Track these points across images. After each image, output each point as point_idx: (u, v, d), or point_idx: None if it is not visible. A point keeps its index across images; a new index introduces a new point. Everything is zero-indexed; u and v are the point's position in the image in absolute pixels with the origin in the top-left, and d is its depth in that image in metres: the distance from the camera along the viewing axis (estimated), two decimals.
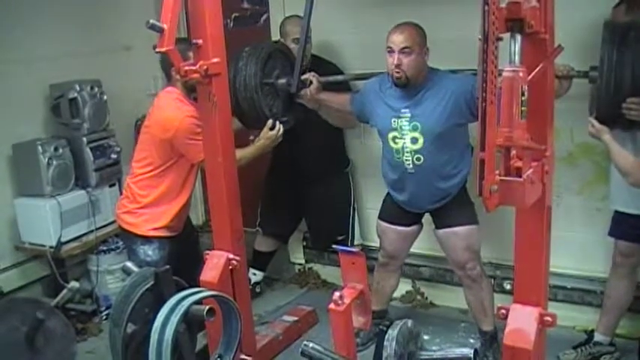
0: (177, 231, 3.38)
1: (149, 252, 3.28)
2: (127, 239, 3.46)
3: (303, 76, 3.45)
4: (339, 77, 3.61)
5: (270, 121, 3.34)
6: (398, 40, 3.04)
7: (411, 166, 3.18)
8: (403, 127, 3.15)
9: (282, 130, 3.37)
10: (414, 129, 3.12)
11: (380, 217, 3.50)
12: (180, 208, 3.35)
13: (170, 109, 3.19)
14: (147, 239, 3.30)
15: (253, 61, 3.31)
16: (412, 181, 3.24)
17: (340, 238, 3.99)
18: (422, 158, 3.14)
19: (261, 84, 3.34)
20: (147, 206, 3.30)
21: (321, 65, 3.79)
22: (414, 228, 3.43)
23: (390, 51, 3.06)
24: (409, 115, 3.13)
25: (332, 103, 3.53)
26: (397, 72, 3.05)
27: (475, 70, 2.93)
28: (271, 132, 3.35)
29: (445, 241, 3.31)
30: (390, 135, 3.19)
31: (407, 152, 3.16)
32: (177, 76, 3.01)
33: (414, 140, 3.13)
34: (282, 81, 3.47)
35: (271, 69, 3.45)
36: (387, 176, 3.38)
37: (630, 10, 2.94)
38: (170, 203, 3.31)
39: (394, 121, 3.17)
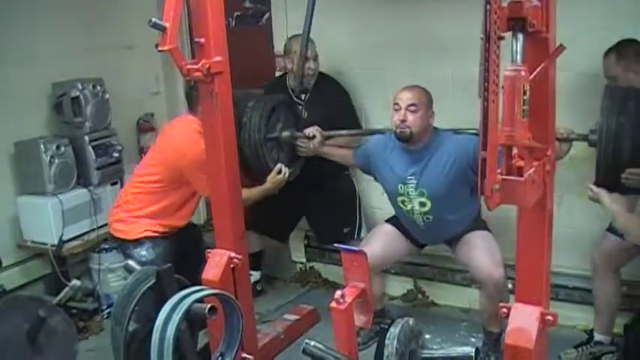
0: (171, 232, 3.40)
1: (142, 252, 3.32)
2: (120, 247, 3.51)
3: (307, 130, 3.54)
4: (343, 132, 3.64)
5: (278, 166, 3.46)
6: (405, 97, 3.12)
7: (422, 223, 3.31)
8: (410, 193, 3.24)
9: (287, 174, 3.49)
10: (421, 195, 3.21)
11: (387, 221, 3.52)
12: (175, 225, 3.39)
13: (188, 140, 3.28)
14: (138, 241, 3.35)
15: (257, 116, 3.38)
16: (424, 231, 3.37)
17: (346, 230, 3.96)
18: (431, 217, 3.25)
19: (266, 139, 3.42)
20: (140, 217, 3.37)
21: (327, 84, 3.86)
22: (412, 245, 3.51)
23: (397, 108, 3.13)
24: (415, 182, 3.21)
25: (334, 157, 3.64)
26: (402, 127, 3.11)
27: (476, 130, 2.98)
28: (278, 176, 3.47)
29: (464, 250, 3.31)
30: (399, 199, 3.29)
31: (416, 213, 3.27)
32: (200, 107, 3.09)
33: (422, 204, 3.23)
34: (287, 134, 3.55)
35: (275, 122, 3.52)
36: (399, 219, 3.47)
37: (621, 59, 3.01)
38: (167, 218, 3.38)
39: (401, 187, 3.25)
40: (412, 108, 3.09)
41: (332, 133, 3.58)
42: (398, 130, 3.13)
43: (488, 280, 3.15)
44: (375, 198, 4.03)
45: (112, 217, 3.49)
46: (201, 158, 3.15)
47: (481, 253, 3.22)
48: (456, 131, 3.26)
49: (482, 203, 3.16)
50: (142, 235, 3.34)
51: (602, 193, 2.71)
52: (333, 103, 3.84)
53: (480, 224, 3.37)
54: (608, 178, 2.59)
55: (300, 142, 3.58)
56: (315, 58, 3.77)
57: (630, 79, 2.99)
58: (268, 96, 3.59)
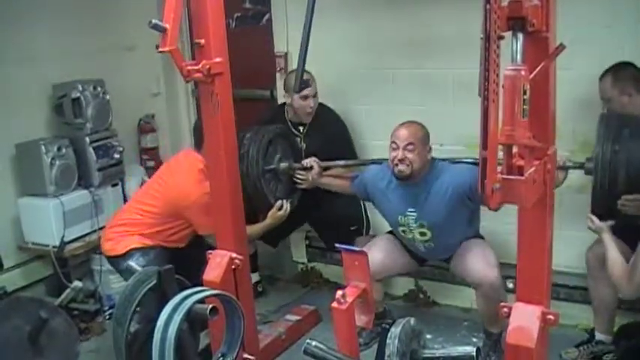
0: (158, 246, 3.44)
1: (132, 264, 3.32)
2: (112, 264, 3.53)
3: (305, 161, 3.58)
4: (340, 162, 3.65)
5: (278, 203, 3.51)
6: (403, 136, 3.13)
7: (423, 249, 3.35)
8: (410, 224, 3.27)
9: (288, 209, 3.53)
10: (421, 226, 3.24)
11: (391, 232, 3.53)
12: (165, 247, 3.42)
13: (192, 180, 3.32)
14: (126, 255, 3.36)
15: (255, 149, 3.41)
16: (425, 253, 3.41)
17: (353, 228, 3.93)
18: (433, 244, 3.29)
19: (263, 171, 3.45)
20: (133, 234, 3.37)
21: (325, 115, 3.89)
22: (413, 261, 3.52)
23: (395, 147, 3.14)
24: (415, 215, 3.24)
25: (332, 187, 3.68)
26: (400, 167, 3.12)
27: (473, 159, 3.04)
28: (279, 213, 3.52)
29: (458, 257, 3.32)
30: (399, 228, 3.34)
31: (417, 241, 3.32)
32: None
33: (423, 234, 3.27)
34: (284, 165, 3.59)
35: (272, 153, 3.56)
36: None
37: (617, 82, 3.03)
38: (161, 241, 3.41)
39: (401, 219, 3.29)
40: (410, 147, 3.09)
41: (330, 163, 3.61)
42: (396, 170, 3.15)
43: (484, 282, 3.17)
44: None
45: (104, 236, 3.52)
46: (203, 201, 3.21)
47: (474, 256, 3.24)
48: (454, 161, 3.28)
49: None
50: (130, 247, 3.37)
51: (604, 228, 2.75)
52: (332, 134, 3.86)
53: (475, 234, 3.38)
54: (605, 205, 2.62)
55: (298, 174, 3.61)
56: (315, 95, 3.80)
57: (625, 102, 3.02)
58: (265, 127, 3.60)
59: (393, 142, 3.15)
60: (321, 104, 3.89)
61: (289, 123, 3.88)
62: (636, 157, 2.46)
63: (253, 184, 3.40)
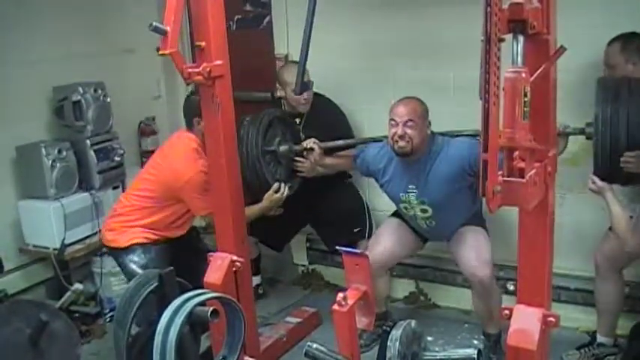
0: (161, 241, 3.42)
1: (135, 259, 3.31)
2: (113, 256, 3.52)
3: (304, 143, 3.56)
4: (340, 142, 3.64)
5: (275, 185, 3.47)
6: (402, 113, 3.12)
7: (425, 226, 3.36)
8: (412, 201, 3.27)
9: (286, 192, 3.49)
10: (422, 203, 3.25)
11: (393, 214, 3.55)
12: (169, 237, 3.41)
13: (185, 160, 3.27)
14: (128, 248, 3.34)
15: (254, 132, 3.40)
16: (427, 231, 3.42)
17: (356, 230, 3.91)
18: (434, 222, 3.30)
19: (263, 153, 3.43)
20: (133, 226, 3.37)
21: (323, 106, 3.87)
22: (418, 240, 3.54)
23: (394, 124, 3.13)
24: (416, 192, 3.24)
25: (335, 167, 3.71)
26: (400, 143, 3.12)
27: (475, 131, 3.02)
28: (276, 195, 3.49)
29: (455, 244, 3.33)
30: (401, 205, 3.34)
31: (419, 219, 3.32)
32: (198, 126, 3.09)
33: (424, 210, 3.27)
34: (284, 147, 3.57)
35: (272, 137, 3.54)
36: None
37: (625, 49, 3.02)
38: (160, 231, 3.40)
39: (402, 196, 3.29)
40: (409, 124, 3.09)
41: (329, 144, 3.60)
42: (396, 147, 3.14)
43: (473, 279, 3.21)
44: (381, 203, 4.01)
45: (105, 226, 3.50)
46: (198, 180, 3.19)
47: (469, 249, 3.25)
48: (454, 135, 3.27)
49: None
50: (132, 242, 3.34)
51: (606, 187, 2.71)
52: (330, 123, 3.84)
53: (477, 219, 3.38)
54: (607, 167, 2.61)
55: (297, 160, 3.61)
56: (312, 86, 3.75)
57: (629, 70, 3.01)
58: (265, 111, 3.59)
59: (392, 119, 3.14)
60: (317, 94, 3.85)
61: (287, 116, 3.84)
62: (636, 115, 2.48)
63: (253, 165, 3.38)
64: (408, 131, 3.09)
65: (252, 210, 3.44)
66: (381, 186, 3.45)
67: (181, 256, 3.36)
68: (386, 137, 3.26)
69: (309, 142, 3.55)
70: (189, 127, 3.40)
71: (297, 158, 3.62)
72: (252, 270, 4.17)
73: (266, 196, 3.48)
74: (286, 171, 3.64)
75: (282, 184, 3.51)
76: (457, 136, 3.26)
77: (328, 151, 3.64)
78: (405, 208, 3.33)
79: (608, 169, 2.63)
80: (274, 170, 3.55)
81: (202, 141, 3.21)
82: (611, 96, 2.54)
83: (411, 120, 3.09)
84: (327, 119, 3.85)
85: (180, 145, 3.36)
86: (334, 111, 3.92)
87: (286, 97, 3.80)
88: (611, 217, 2.76)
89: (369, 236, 3.86)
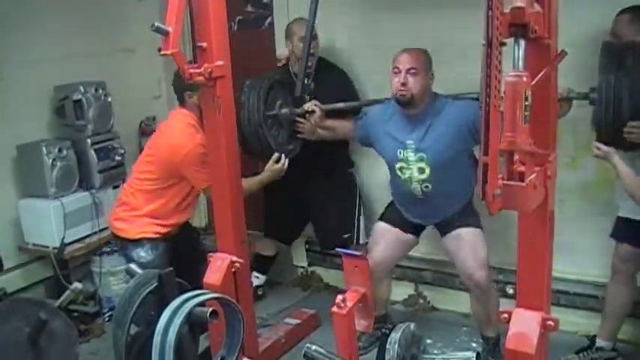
0: (171, 233, 3.40)
1: (142, 253, 3.31)
2: (119, 245, 3.51)
3: (306, 105, 3.52)
4: (341, 105, 3.62)
5: (275, 155, 3.43)
6: (405, 60, 3.09)
7: (420, 193, 3.24)
8: (409, 159, 3.19)
9: (287, 163, 3.46)
10: (420, 160, 3.17)
11: (381, 219, 3.51)
12: (176, 223, 3.39)
13: (181, 135, 3.25)
14: (137, 242, 3.34)
15: (255, 95, 3.36)
16: (420, 204, 3.31)
17: (345, 236, 3.94)
18: (430, 186, 3.20)
19: (265, 117, 3.40)
20: (142, 216, 3.35)
21: (330, 72, 3.84)
22: (412, 237, 3.46)
23: (397, 71, 3.10)
24: (415, 146, 3.17)
25: (335, 131, 3.64)
26: (402, 91, 3.08)
27: (476, 94, 2.96)
28: (276, 165, 3.45)
29: (451, 246, 3.30)
30: (397, 165, 3.24)
31: (415, 181, 3.22)
32: (190, 99, 3.08)
33: (421, 170, 3.18)
34: (285, 111, 3.54)
35: (273, 100, 3.51)
36: (395, 196, 3.44)
37: (634, 21, 2.97)
38: (166, 218, 3.38)
39: (400, 152, 3.21)
40: (412, 71, 3.06)
41: (330, 106, 3.57)
42: (398, 95, 3.09)
43: (469, 282, 3.20)
44: (375, 199, 4.03)
45: (113, 215, 3.48)
46: (197, 152, 3.16)
47: (467, 251, 3.21)
48: (456, 97, 3.23)
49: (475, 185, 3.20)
50: (142, 235, 3.34)
51: (611, 152, 2.69)
52: (335, 86, 3.80)
53: (472, 218, 3.31)
54: (610, 134, 2.59)
55: (299, 120, 3.57)
56: (315, 37, 3.71)
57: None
58: (265, 74, 3.55)
59: (395, 67, 3.11)
60: (325, 60, 3.84)
61: (294, 78, 3.76)
62: None
63: (255, 131, 3.36)
64: (411, 79, 3.05)
65: (252, 182, 3.41)
66: (380, 147, 3.36)
67: (182, 256, 3.36)
68: (388, 99, 3.23)
69: (310, 105, 3.52)
70: (181, 102, 3.38)
71: (298, 119, 3.59)
72: (262, 267, 4.24)
73: (267, 167, 3.44)
74: (288, 133, 3.60)
75: (282, 156, 3.46)
76: (460, 99, 3.22)
77: (331, 114, 3.61)
78: (402, 169, 3.22)
79: (611, 137, 2.61)
80: (276, 134, 3.51)
81: (197, 115, 3.21)
82: (616, 62, 2.51)
83: (413, 68, 3.06)
84: (333, 82, 3.82)
85: (175, 122, 3.35)
86: (339, 74, 3.89)
87: (292, 49, 3.78)
88: (622, 178, 2.70)
89: (357, 242, 3.91)
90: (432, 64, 3.15)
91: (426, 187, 3.20)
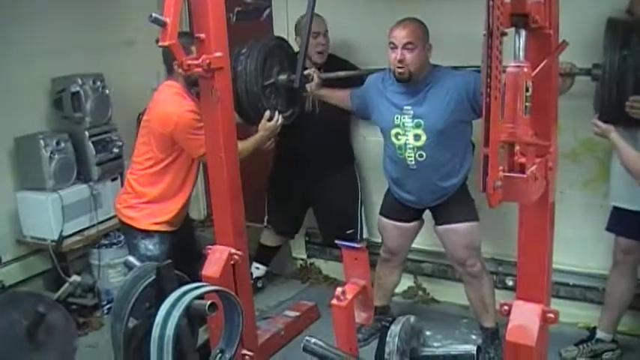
0: (177, 226, 3.38)
1: (150, 246, 3.28)
2: (127, 233, 3.45)
3: (305, 72, 3.46)
4: (340, 74, 3.60)
5: (267, 113, 3.37)
6: (400, 35, 3.03)
7: (413, 162, 3.18)
8: (406, 124, 3.15)
9: (280, 120, 3.40)
10: (417, 126, 3.12)
11: (381, 213, 3.50)
12: (183, 204, 3.35)
13: (170, 103, 3.18)
14: (148, 233, 3.29)
15: (253, 63, 3.32)
16: (414, 178, 3.25)
17: (349, 232, 3.95)
18: (424, 155, 3.14)
19: (263, 85, 3.37)
20: (149, 202, 3.30)
21: (335, 60, 3.82)
22: (414, 224, 3.44)
23: (393, 47, 3.05)
24: (412, 112, 3.12)
25: (332, 99, 3.59)
26: (400, 67, 3.04)
27: (477, 66, 2.92)
28: (269, 123, 3.38)
29: (445, 238, 3.31)
30: (393, 131, 3.19)
31: (409, 149, 3.17)
32: (179, 69, 3.01)
33: (417, 137, 3.13)
34: (283, 77, 3.50)
35: (271, 67, 3.47)
36: (388, 172, 3.39)
37: None
38: (172, 199, 3.31)
39: (397, 118, 3.17)
40: (409, 46, 3.01)
41: (330, 75, 3.56)
42: (397, 73, 3.06)
43: (461, 269, 3.25)
44: (375, 194, 4.01)
45: (121, 203, 3.39)
46: (188, 117, 3.10)
47: (459, 239, 3.23)
48: (456, 68, 3.21)
49: (471, 168, 3.19)
50: (153, 228, 3.29)
51: (610, 128, 2.68)
52: (346, 78, 3.73)
53: (468, 208, 3.28)
54: (612, 111, 2.59)
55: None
56: (325, 34, 3.72)
57: None
58: (262, 40, 3.50)
59: (391, 42, 3.05)
60: (334, 56, 3.83)
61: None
62: None
63: (252, 98, 3.33)
64: (408, 55, 3.01)
65: (247, 144, 3.34)
66: (376, 113, 3.32)
67: (182, 250, 3.35)
68: (386, 69, 3.21)
69: (310, 71, 3.49)
70: (170, 73, 3.30)
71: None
72: (264, 258, 4.26)
73: (260, 125, 3.38)
74: (286, 99, 3.57)
75: (276, 113, 3.41)
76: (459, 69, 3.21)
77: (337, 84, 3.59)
78: (397, 135, 3.18)
79: (613, 113, 2.60)
80: (275, 102, 3.49)
81: (183, 85, 3.18)
82: (620, 39, 2.50)
83: (410, 42, 3.00)
84: (345, 79, 3.74)
85: (162, 95, 3.27)
86: (349, 65, 3.85)
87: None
88: (621, 155, 2.70)
89: (361, 238, 3.94)
90: (428, 34, 3.09)
91: (420, 155, 3.15)
